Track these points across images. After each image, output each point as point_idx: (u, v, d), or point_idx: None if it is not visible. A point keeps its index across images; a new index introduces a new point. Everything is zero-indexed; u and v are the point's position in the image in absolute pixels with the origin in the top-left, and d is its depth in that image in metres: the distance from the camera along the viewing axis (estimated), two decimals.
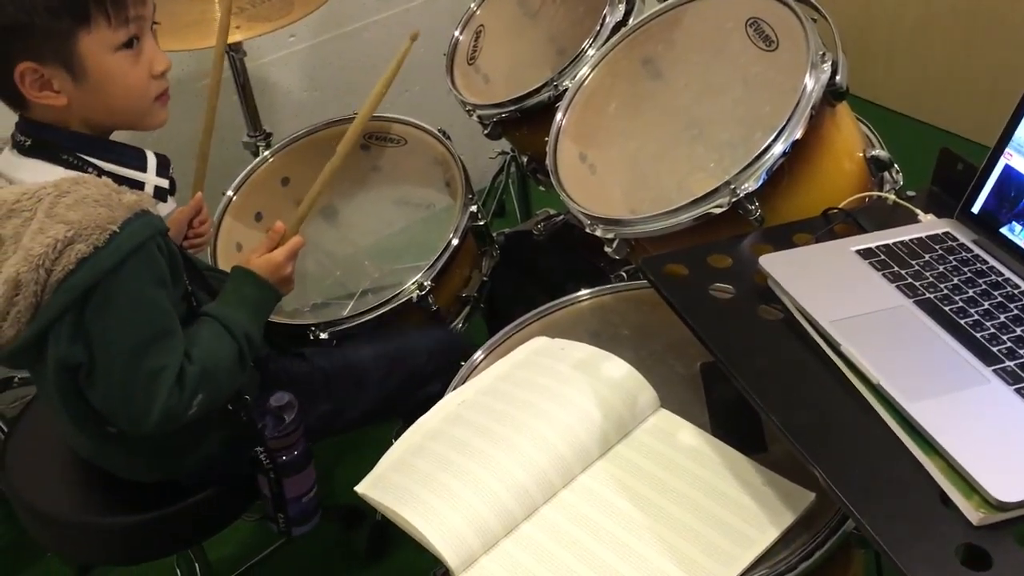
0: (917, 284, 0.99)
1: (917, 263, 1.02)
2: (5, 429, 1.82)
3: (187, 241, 1.39)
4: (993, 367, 0.88)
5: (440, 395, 1.37)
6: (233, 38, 1.57)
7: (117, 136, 1.15)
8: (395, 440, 1.56)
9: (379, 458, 1.06)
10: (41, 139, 1.07)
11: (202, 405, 1.11)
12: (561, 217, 1.75)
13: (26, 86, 1.03)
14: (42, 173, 1.05)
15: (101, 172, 1.08)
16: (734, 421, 1.05)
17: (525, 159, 1.68)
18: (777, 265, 1.01)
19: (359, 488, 1.02)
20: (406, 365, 1.40)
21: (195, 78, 2.02)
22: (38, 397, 1.40)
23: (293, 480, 1.27)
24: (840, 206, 1.13)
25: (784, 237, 1.10)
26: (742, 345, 0.96)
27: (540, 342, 1.17)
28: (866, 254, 1.03)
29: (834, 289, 0.99)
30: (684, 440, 1.03)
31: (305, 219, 1.33)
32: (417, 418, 1.42)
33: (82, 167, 1.07)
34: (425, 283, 1.44)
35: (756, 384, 0.91)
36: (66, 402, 1.12)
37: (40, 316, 1.02)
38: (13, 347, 1.04)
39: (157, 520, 1.24)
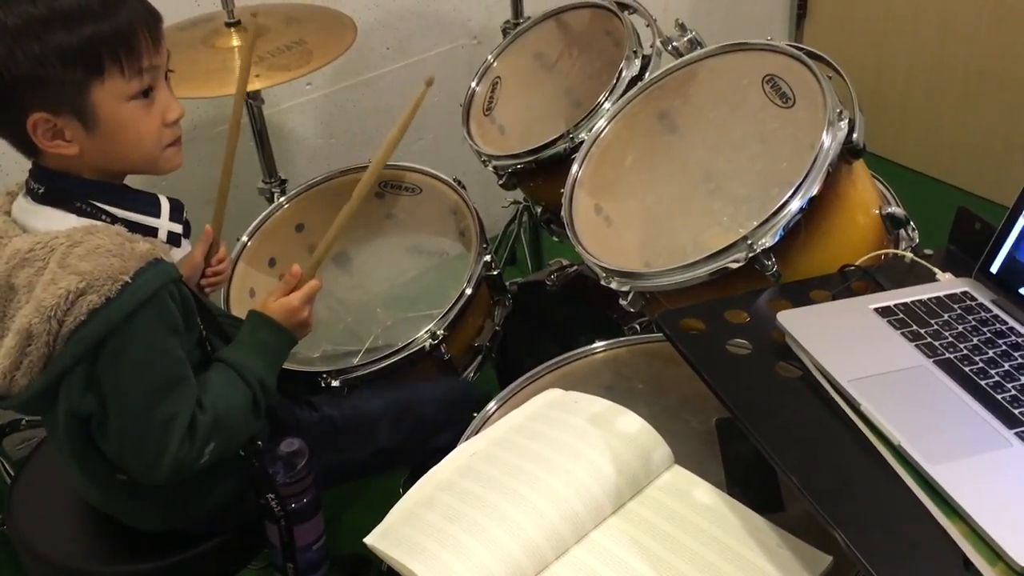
0: (936, 344, 0.98)
1: (936, 322, 1.01)
2: (12, 472, 1.81)
3: (204, 280, 1.38)
4: (1015, 429, 0.87)
5: (449, 446, 1.35)
6: (252, 86, 1.59)
7: (133, 181, 1.15)
8: (403, 490, 1.55)
9: (386, 507, 1.04)
10: (54, 187, 1.06)
11: (214, 453, 1.10)
12: (574, 268, 1.75)
13: (38, 135, 1.02)
14: (56, 221, 1.05)
15: (115, 219, 1.08)
16: (750, 479, 1.04)
17: (539, 209, 1.68)
18: (795, 322, 1.01)
19: (368, 540, 1.00)
20: (415, 414, 1.39)
21: (213, 124, 2.04)
22: (47, 441, 1.39)
23: (303, 528, 1.25)
24: (857, 263, 1.13)
25: (801, 293, 1.09)
26: (760, 402, 0.95)
27: (554, 394, 1.16)
28: (884, 312, 1.03)
29: (853, 347, 0.98)
30: (699, 498, 1.01)
31: (321, 263, 1.33)
32: (426, 468, 1.41)
33: (96, 214, 1.07)
34: (438, 332, 1.44)
35: (775, 443, 0.90)
36: (76, 451, 1.11)
37: (52, 366, 1.02)
38: (26, 396, 1.04)
39: (164, 569, 1.22)
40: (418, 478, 1.44)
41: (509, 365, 1.70)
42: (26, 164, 1.10)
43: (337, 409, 1.38)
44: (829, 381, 0.94)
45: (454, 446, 1.34)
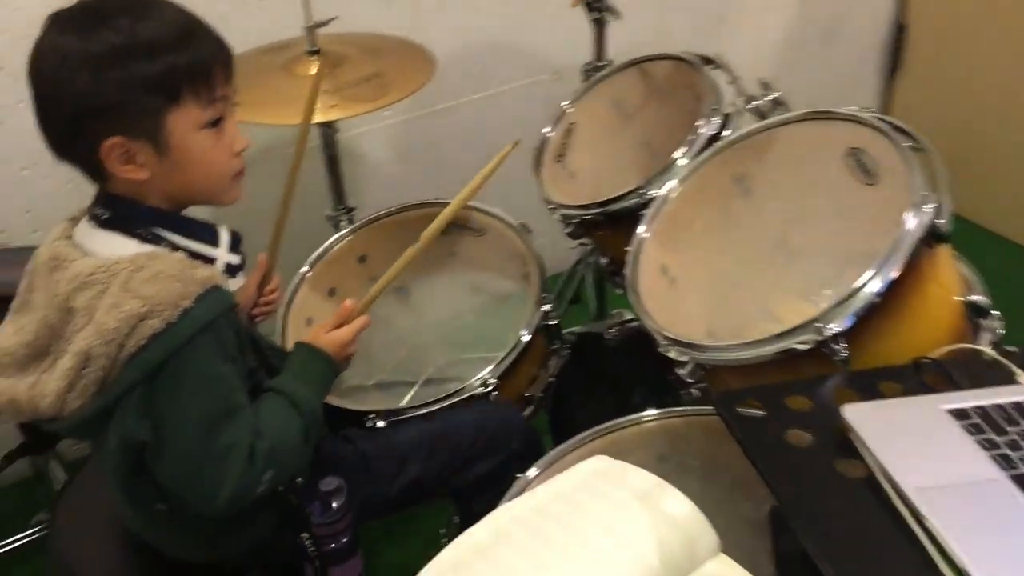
0: (1014, 456, 0.91)
1: (1014, 431, 0.94)
2: (63, 477, 1.83)
3: (256, 308, 1.39)
4: None
5: (490, 474, 1.34)
6: (328, 116, 1.59)
7: (195, 211, 1.16)
8: (445, 532, 1.52)
9: (428, 542, 1.01)
10: (119, 213, 1.08)
11: (270, 482, 1.09)
12: (635, 322, 1.71)
13: (112, 159, 1.04)
14: (117, 246, 1.06)
15: (175, 247, 1.09)
16: None
17: (605, 261, 1.64)
18: (861, 417, 0.95)
19: None
20: (450, 443, 1.35)
21: (287, 144, 2.04)
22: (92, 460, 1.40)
23: (339, 569, 1.23)
24: (932, 355, 1.07)
25: (870, 384, 1.03)
26: (815, 502, 0.90)
27: (601, 463, 1.11)
28: (959, 415, 0.96)
29: (922, 451, 0.92)
30: None
31: (375, 301, 1.32)
32: (468, 497, 1.39)
33: (156, 241, 1.08)
34: (490, 380, 1.41)
35: (827, 549, 0.85)
36: (122, 477, 1.11)
37: (107, 390, 1.02)
38: (77, 419, 1.04)
39: None
40: (463, 511, 1.43)
41: (562, 412, 1.67)
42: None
43: (371, 442, 1.35)
44: (893, 487, 0.88)
45: (496, 474, 1.32)
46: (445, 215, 1.35)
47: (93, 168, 1.06)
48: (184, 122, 1.05)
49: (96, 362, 1.00)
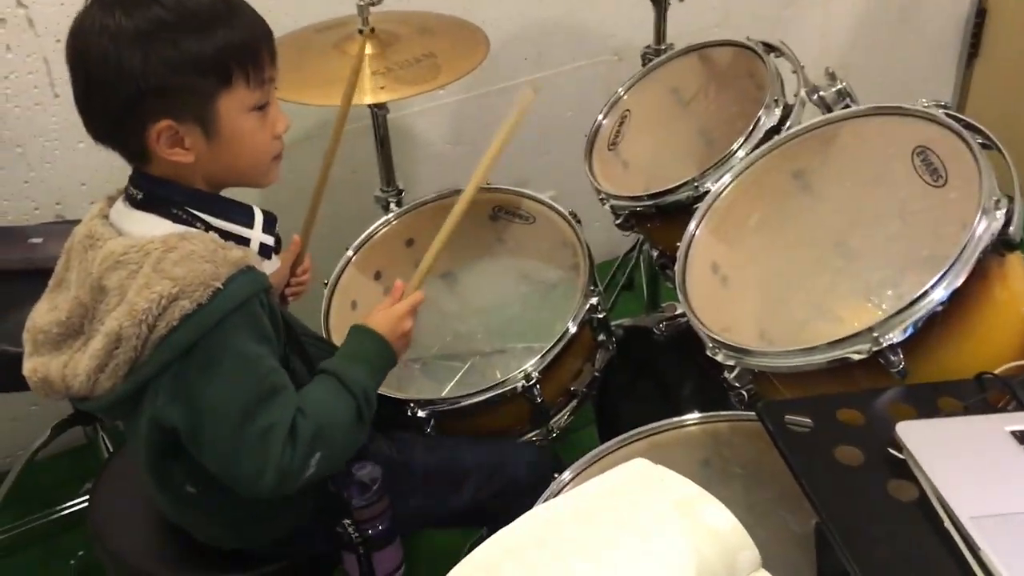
0: None
1: None
2: (111, 449, 1.86)
3: (288, 289, 1.39)
4: None
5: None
6: (377, 98, 1.57)
7: (240, 192, 1.14)
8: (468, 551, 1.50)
9: (444, 563, 0.98)
10: (154, 193, 1.07)
11: (320, 465, 1.07)
12: (686, 319, 1.66)
13: (160, 143, 1.03)
14: (151, 226, 1.05)
15: (209, 227, 1.08)
16: None
17: (656, 253, 1.60)
18: (916, 436, 0.90)
19: None
20: (505, 475, 1.33)
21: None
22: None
23: (382, 555, 1.22)
24: (997, 371, 1.01)
25: (928, 399, 0.98)
26: (864, 525, 0.86)
27: (642, 468, 1.08)
28: (1023, 437, 0.91)
29: (980, 475, 0.87)
30: None
31: (424, 278, 1.30)
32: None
33: (191, 221, 1.07)
34: (533, 374, 1.37)
35: (874, 574, 0.80)
36: (152, 459, 1.11)
37: (138, 372, 1.02)
38: (109, 400, 1.04)
39: None
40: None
41: (607, 404, 1.64)
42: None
43: (430, 455, 1.34)
44: (947, 513, 0.84)
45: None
46: (477, 176, 1.33)
47: (137, 150, 1.05)
48: (234, 105, 1.04)
49: (127, 343, 0.99)
